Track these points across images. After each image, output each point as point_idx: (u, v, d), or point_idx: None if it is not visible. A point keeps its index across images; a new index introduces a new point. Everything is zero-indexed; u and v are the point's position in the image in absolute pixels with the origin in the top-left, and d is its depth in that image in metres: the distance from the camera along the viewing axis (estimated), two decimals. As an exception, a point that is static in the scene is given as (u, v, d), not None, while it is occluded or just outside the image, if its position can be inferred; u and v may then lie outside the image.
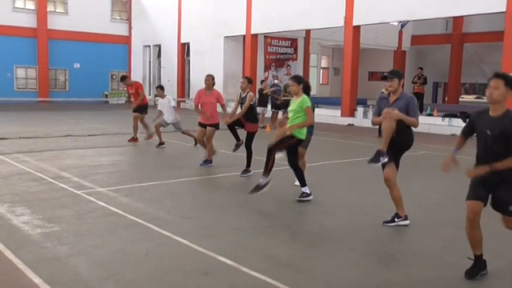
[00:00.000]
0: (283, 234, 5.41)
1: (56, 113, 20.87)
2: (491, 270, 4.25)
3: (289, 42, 26.68)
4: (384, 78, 5.47)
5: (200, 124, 9.17)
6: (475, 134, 4.27)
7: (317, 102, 23.63)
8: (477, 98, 38.30)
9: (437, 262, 4.62)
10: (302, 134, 6.63)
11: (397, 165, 5.53)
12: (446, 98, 30.00)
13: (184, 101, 26.92)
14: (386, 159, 5.32)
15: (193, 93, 26.86)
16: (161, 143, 11.66)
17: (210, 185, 7.98)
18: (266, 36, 25.19)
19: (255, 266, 4.33)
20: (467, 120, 4.31)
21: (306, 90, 6.73)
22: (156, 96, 12.47)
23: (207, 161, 9.20)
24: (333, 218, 5.36)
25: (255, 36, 23.82)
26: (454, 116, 16.90)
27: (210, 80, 9.24)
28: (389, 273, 4.36)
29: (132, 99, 12.41)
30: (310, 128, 7.27)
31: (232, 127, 8.59)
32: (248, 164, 8.42)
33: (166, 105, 11.63)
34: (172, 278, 4.11)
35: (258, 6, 23.06)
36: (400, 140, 5.41)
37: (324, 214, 6.20)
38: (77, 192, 7.00)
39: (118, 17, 31.46)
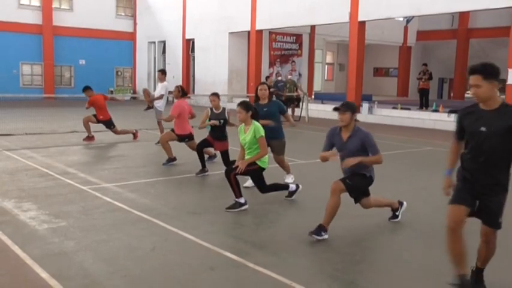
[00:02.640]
0: (289, 229, 5.43)
1: (62, 109, 20.93)
2: None
3: (294, 38, 26.61)
4: (336, 109, 5.10)
5: (173, 130, 9.05)
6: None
7: (322, 98, 23.66)
8: (483, 93, 38.12)
9: (444, 258, 4.62)
10: (264, 162, 6.10)
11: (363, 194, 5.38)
12: (451, 94, 29.86)
13: (189, 97, 26.92)
14: (326, 236, 4.95)
15: (198, 89, 26.90)
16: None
17: (215, 181, 7.99)
18: (271, 32, 25.14)
19: (261, 261, 4.34)
20: (457, 120, 3.73)
21: (255, 116, 6.18)
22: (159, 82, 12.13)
23: (211, 157, 9.20)
24: (339, 214, 5.35)
25: (260, 32, 23.77)
26: (460, 111, 16.82)
27: (175, 91, 9.17)
28: (395, 269, 4.36)
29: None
30: (281, 133, 7.21)
31: (200, 151, 8.17)
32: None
33: (159, 90, 11.56)
34: (178, 273, 4.13)
35: (263, 1, 23.00)
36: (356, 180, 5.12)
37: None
38: (83, 188, 7.04)
39: (123, 13, 31.46)
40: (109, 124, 11.87)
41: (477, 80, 3.37)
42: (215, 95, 8.24)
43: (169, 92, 11.60)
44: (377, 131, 15.17)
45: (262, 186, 6.24)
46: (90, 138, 11.73)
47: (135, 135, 12.21)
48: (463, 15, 27.23)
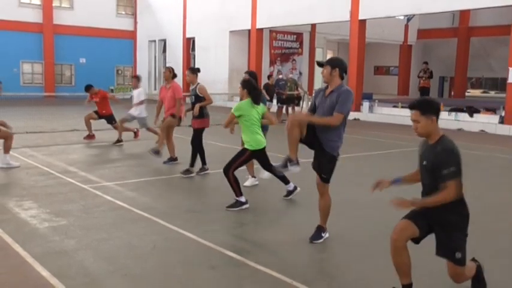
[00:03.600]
0: (289, 228, 5.43)
1: (62, 108, 20.93)
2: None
3: (295, 36, 26.59)
4: (318, 64, 4.91)
5: (173, 115, 8.82)
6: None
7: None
8: (483, 92, 38.11)
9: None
10: (255, 144, 6.01)
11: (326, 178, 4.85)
12: (452, 93, 29.85)
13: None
14: (297, 168, 4.66)
15: (198, 88, 26.85)
16: (119, 140, 11.23)
17: (215, 179, 7.99)
18: (271, 31, 25.12)
19: (261, 260, 4.34)
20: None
21: (254, 96, 6.08)
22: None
23: (171, 159, 8.92)
24: (338, 213, 5.35)
25: (260, 30, 23.76)
26: (461, 110, 16.82)
27: (167, 72, 8.90)
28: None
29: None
30: (264, 128, 6.75)
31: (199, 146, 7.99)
32: (192, 164, 7.97)
33: (136, 97, 11.18)
34: (178, 271, 4.13)
35: (263, 0, 22.99)
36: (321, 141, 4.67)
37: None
38: (84, 187, 7.04)
39: (123, 12, 31.47)
40: (110, 119, 11.84)
41: (416, 116, 3.41)
42: (189, 69, 8.19)
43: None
44: (378, 129, 15.15)
45: (264, 164, 6.15)
46: (90, 136, 11.73)
47: (136, 134, 12.18)
48: (464, 14, 27.20)
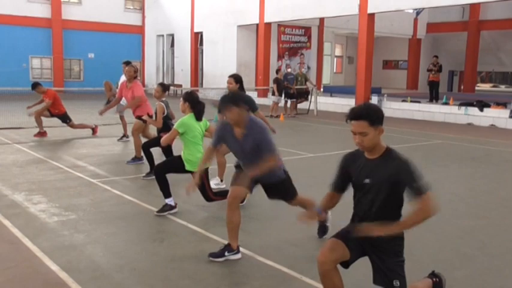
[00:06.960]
0: (295, 225, 5.39)
1: (71, 103, 20.99)
2: None
3: (303, 30, 26.48)
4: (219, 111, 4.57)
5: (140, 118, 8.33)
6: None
7: (331, 91, 23.56)
8: (493, 86, 37.78)
9: (454, 253, 4.58)
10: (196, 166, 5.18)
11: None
12: (462, 87, 29.63)
13: (197, 90, 26.92)
14: (237, 255, 4.25)
15: (206, 82, 26.86)
16: (125, 136, 10.96)
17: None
18: (279, 25, 25.02)
19: (270, 255, 4.33)
20: (339, 167, 3.23)
21: (197, 112, 5.57)
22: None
23: (136, 158, 8.46)
24: (347, 210, 5.29)
25: (269, 24, 23.66)
26: (470, 104, 16.67)
27: (131, 71, 8.36)
28: (406, 263, 4.32)
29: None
30: None
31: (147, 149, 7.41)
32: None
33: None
34: (187, 265, 4.13)
35: (271, -6, 22.91)
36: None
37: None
38: (93, 181, 7.07)
39: (131, 7, 31.48)
40: (64, 118, 11.40)
41: (363, 127, 2.90)
42: (160, 84, 7.63)
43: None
44: (387, 124, 15.03)
45: (204, 191, 5.39)
46: (42, 133, 11.26)
47: (94, 130, 11.73)
48: (474, 7, 26.93)
